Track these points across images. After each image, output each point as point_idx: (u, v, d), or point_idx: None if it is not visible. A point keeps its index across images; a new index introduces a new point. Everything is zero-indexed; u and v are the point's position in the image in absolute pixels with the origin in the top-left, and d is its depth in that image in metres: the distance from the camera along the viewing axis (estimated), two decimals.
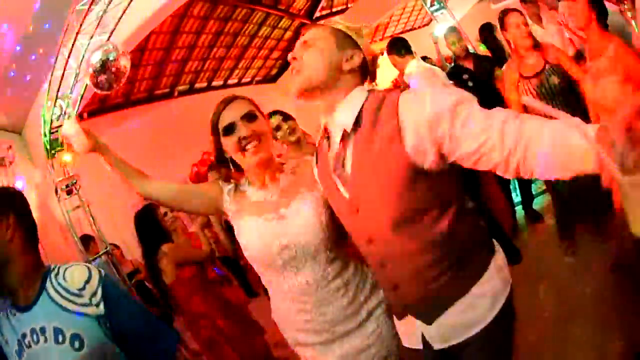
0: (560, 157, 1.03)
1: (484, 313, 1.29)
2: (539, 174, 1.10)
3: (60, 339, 1.17)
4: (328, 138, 1.44)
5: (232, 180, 1.73)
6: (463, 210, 1.32)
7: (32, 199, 4.51)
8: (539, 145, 1.05)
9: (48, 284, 1.26)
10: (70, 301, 1.23)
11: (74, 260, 1.31)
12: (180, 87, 10.72)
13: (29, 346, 1.19)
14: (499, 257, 1.37)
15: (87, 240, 4.96)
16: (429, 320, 1.33)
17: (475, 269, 1.31)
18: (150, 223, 2.91)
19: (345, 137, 1.34)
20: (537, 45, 3.01)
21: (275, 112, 2.79)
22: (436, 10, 5.83)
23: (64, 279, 1.27)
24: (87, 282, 1.27)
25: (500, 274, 1.33)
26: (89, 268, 1.31)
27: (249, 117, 1.59)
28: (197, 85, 11.00)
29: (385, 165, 1.25)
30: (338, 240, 1.60)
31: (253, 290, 5.10)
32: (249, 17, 10.63)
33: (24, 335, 1.20)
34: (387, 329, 1.62)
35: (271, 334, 3.26)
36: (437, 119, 1.17)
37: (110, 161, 1.65)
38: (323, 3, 12.26)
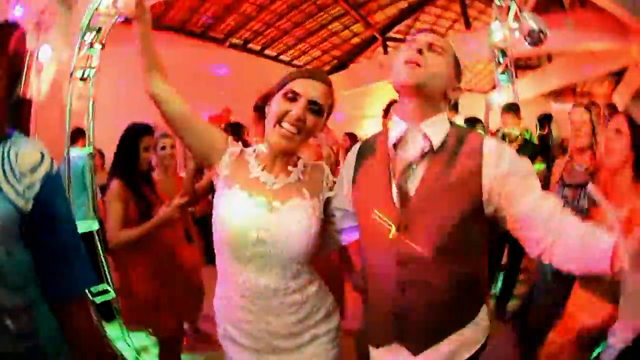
0: (583, 254, 1.15)
1: (469, 350, 1.37)
2: (557, 262, 1.21)
3: None
4: (395, 145, 1.36)
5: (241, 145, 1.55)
6: (485, 259, 1.41)
7: (50, 72, 4.44)
8: (570, 238, 1.18)
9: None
10: (6, 180, 1.06)
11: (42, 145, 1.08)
12: (234, 40, 10.67)
13: None
14: (485, 307, 1.44)
15: (77, 134, 4.84)
16: (418, 350, 1.35)
17: (472, 310, 1.40)
18: (129, 146, 2.58)
19: (424, 154, 1.32)
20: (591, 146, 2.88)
21: None
22: (503, 79, 5.72)
23: (13, 154, 1.09)
24: (33, 170, 1.10)
25: (485, 321, 1.42)
26: (43, 155, 1.13)
27: (314, 107, 1.42)
28: (250, 46, 10.96)
29: (457, 195, 1.28)
30: (312, 257, 1.48)
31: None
32: (327, 7, 10.63)
33: None
34: (326, 358, 1.51)
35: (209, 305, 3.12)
36: (509, 177, 1.26)
37: (143, 38, 1.46)
38: (400, 27, 12.26)
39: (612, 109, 2.94)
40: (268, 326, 1.44)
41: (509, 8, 5.16)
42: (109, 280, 3.31)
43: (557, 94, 16.57)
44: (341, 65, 13.12)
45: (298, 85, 1.41)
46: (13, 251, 1.05)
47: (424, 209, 1.29)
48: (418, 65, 1.28)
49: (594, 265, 1.12)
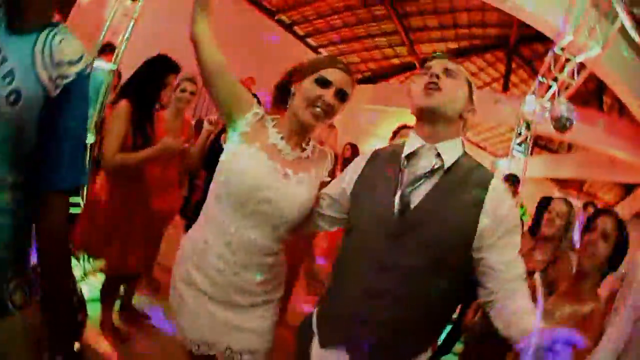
0: (511, 323, 1.24)
1: None
2: (493, 315, 1.31)
3: (8, 79, 1.05)
4: (407, 158, 1.41)
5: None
6: (454, 298, 1.45)
7: None
8: (513, 304, 1.27)
9: (43, 35, 1.12)
10: (43, 64, 1.10)
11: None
12: (282, 16, 10.67)
13: None
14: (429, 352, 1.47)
15: (104, 48, 4.82)
16: None
17: (425, 342, 1.44)
18: (153, 76, 2.50)
19: (433, 171, 1.37)
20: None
21: None
22: (519, 150, 5.75)
23: (57, 42, 1.12)
24: (70, 63, 1.13)
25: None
26: (83, 54, 1.16)
27: (342, 96, 1.56)
28: (295, 28, 10.95)
29: (455, 218, 1.31)
30: (296, 231, 1.62)
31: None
32: (381, 20, 10.65)
33: None
34: (269, 326, 1.62)
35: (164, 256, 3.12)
36: (503, 223, 1.31)
37: None
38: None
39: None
40: (236, 278, 1.53)
41: (549, 87, 5.20)
42: (83, 195, 3.27)
43: (564, 184, 16.74)
44: (372, 79, 13.16)
45: (330, 74, 1.54)
46: (25, 130, 1.10)
47: (422, 222, 1.32)
48: (437, 89, 1.35)
49: (511, 336, 1.22)
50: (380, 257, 1.33)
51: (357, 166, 1.53)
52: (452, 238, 1.31)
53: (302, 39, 11.32)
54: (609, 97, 10.84)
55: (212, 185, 1.59)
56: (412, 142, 1.41)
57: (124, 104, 2.38)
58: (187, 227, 2.59)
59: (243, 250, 1.52)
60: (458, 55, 11.85)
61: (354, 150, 5.88)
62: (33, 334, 1.27)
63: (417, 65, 12.26)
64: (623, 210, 12.00)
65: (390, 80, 13.43)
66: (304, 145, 1.61)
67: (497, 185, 1.34)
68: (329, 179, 1.63)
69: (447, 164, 1.35)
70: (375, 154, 1.53)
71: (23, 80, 1.08)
